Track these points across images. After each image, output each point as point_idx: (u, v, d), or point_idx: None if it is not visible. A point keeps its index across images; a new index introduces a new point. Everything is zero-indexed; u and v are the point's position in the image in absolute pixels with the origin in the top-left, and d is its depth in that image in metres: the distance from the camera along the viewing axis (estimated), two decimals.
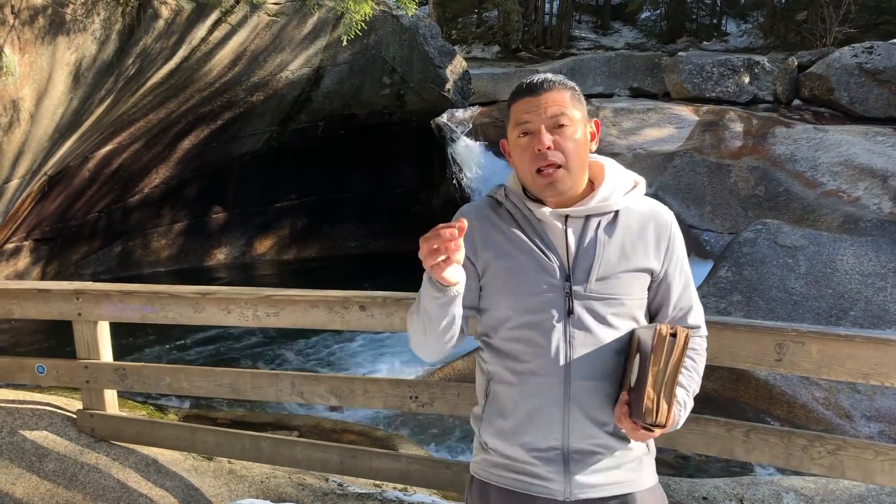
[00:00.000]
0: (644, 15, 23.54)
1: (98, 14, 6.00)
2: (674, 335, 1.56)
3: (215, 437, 3.50)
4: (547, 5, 22.53)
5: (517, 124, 1.73)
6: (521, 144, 1.73)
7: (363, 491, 3.43)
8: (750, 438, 2.60)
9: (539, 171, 1.69)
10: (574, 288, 1.70)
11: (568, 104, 1.71)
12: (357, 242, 12.32)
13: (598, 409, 1.70)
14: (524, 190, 1.80)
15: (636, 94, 15.00)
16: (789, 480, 3.20)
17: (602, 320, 1.70)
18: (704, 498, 3.06)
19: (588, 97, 13.15)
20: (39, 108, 6.04)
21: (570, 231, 1.73)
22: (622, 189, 1.78)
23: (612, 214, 1.75)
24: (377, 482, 3.54)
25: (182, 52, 7.52)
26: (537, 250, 1.73)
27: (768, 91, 12.83)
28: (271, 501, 3.27)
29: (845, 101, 11.47)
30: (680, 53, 14.34)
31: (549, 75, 1.75)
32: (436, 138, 12.59)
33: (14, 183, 6.65)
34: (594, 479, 1.72)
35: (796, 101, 12.55)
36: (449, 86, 11.59)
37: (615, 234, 1.73)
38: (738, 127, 10.51)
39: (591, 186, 1.79)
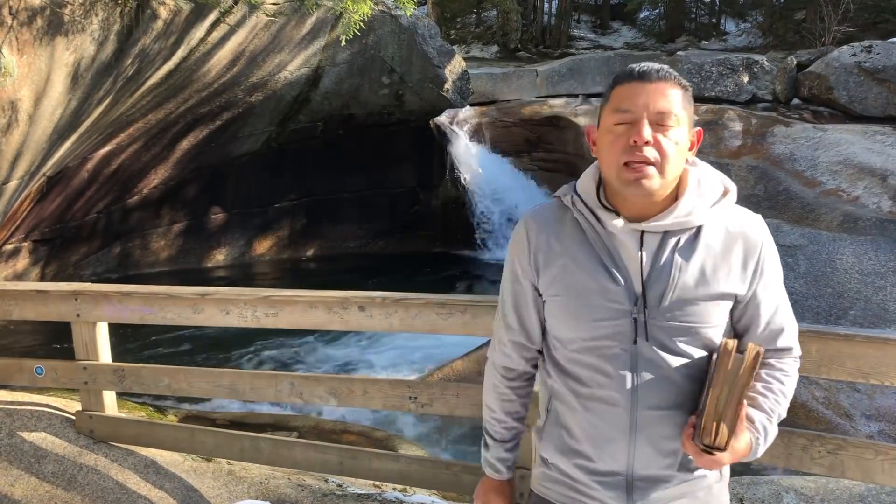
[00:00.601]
0: (643, 14, 23.53)
1: (96, 15, 5.99)
2: (741, 351, 1.45)
3: (214, 437, 3.49)
4: (546, 5, 22.51)
5: (616, 110, 1.53)
6: (615, 132, 1.53)
7: (363, 492, 3.42)
8: None
9: (627, 164, 1.50)
10: (644, 314, 1.54)
11: (679, 102, 1.52)
12: (356, 242, 12.32)
13: (668, 439, 1.57)
14: (598, 193, 1.62)
15: None
16: (789, 480, 3.19)
17: (673, 349, 1.55)
18: None
19: (587, 97, 13.17)
20: (38, 108, 6.04)
21: (644, 250, 1.56)
22: (708, 199, 1.59)
23: (694, 230, 1.57)
24: (377, 483, 3.54)
25: (181, 53, 7.52)
26: (604, 270, 1.57)
27: (767, 90, 12.82)
28: (271, 502, 3.27)
29: (844, 100, 11.46)
30: (679, 53, 14.34)
31: (665, 66, 1.56)
32: (435, 138, 12.59)
33: (13, 184, 6.64)
34: None
35: (795, 101, 12.54)
36: (448, 86, 11.59)
37: (695, 256, 1.55)
38: (738, 126, 10.51)
39: (674, 195, 1.59)
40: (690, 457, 1.54)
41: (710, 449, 1.45)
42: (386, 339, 7.78)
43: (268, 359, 7.67)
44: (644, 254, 1.56)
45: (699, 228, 1.57)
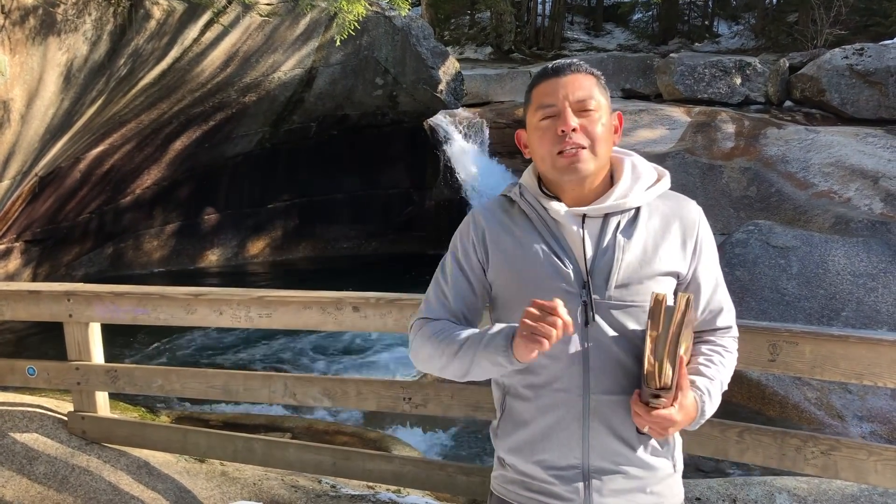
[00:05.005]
0: (636, 16, 23.60)
1: (89, 14, 5.97)
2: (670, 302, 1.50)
3: (207, 438, 3.48)
4: (539, 6, 22.56)
5: (539, 107, 1.63)
6: (542, 127, 1.62)
7: (356, 493, 3.42)
8: (743, 439, 2.60)
9: (561, 152, 1.59)
10: (592, 296, 1.58)
11: (594, 88, 1.63)
12: (350, 243, 12.31)
13: (621, 424, 1.60)
14: (540, 185, 1.70)
15: (628, 95, 15.04)
16: (782, 481, 3.20)
17: (623, 330, 1.59)
18: (698, 499, 3.06)
19: None
20: (30, 108, 6.01)
21: (587, 233, 1.62)
22: (643, 183, 1.67)
23: (633, 212, 1.64)
24: (370, 483, 3.53)
25: (174, 53, 7.50)
26: (552, 255, 1.62)
27: (760, 92, 12.87)
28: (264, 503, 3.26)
29: (836, 102, 11.52)
30: (672, 55, 14.38)
31: (575, 60, 1.67)
32: (429, 139, 12.59)
33: (5, 184, 6.61)
34: (616, 501, 1.62)
35: (788, 103, 12.60)
36: (442, 87, 11.59)
37: (636, 235, 1.61)
38: (730, 128, 10.54)
39: (611, 182, 1.68)
40: (640, 430, 1.56)
41: (658, 393, 1.48)
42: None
43: (261, 359, 7.65)
44: (587, 236, 1.61)
45: (637, 210, 1.65)
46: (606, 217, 1.63)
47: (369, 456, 3.26)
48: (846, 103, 11.44)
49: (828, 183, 8.85)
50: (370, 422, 5.71)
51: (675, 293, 1.65)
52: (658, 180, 1.70)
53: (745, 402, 5.83)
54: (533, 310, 1.45)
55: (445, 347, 1.64)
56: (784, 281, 6.82)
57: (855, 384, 4.17)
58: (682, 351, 1.51)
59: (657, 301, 1.50)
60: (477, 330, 1.65)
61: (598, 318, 1.59)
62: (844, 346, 2.36)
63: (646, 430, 1.55)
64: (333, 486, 3.47)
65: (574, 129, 1.58)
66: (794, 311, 6.57)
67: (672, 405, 1.50)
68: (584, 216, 1.63)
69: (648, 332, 1.50)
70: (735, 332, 1.77)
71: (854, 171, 8.85)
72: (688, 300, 1.51)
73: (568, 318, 1.43)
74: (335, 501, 3.32)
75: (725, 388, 1.68)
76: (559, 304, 1.43)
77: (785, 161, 9.46)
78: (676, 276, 1.64)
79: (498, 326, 1.58)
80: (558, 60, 1.67)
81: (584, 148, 1.58)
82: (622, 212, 1.63)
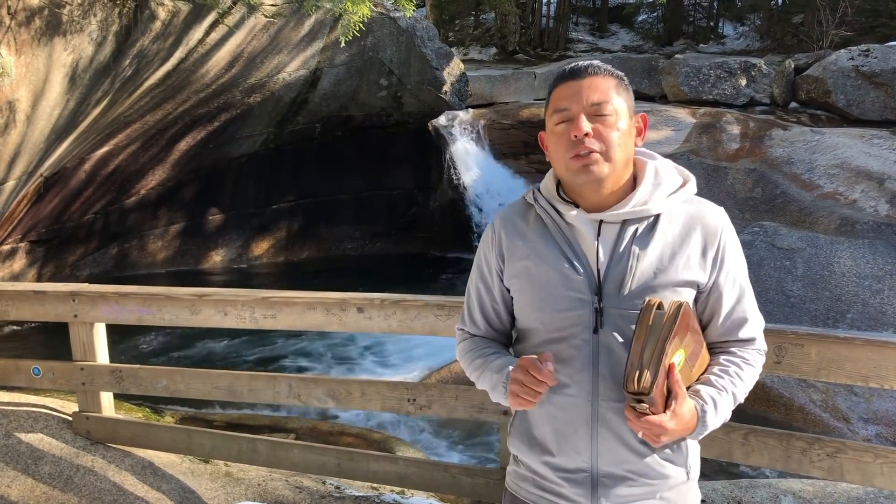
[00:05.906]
0: (641, 17, 23.57)
1: (95, 15, 5.98)
2: (660, 307, 1.49)
3: (212, 439, 3.48)
4: (544, 7, 22.55)
5: (555, 111, 1.60)
6: (557, 132, 1.59)
7: (360, 494, 3.41)
8: (749, 441, 2.59)
9: (574, 157, 1.56)
10: (603, 303, 1.57)
11: (612, 92, 1.58)
12: (354, 244, 12.31)
13: (629, 430, 1.57)
14: (558, 190, 1.68)
15: (633, 96, 15.00)
16: (787, 483, 3.19)
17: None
18: (703, 501, 3.05)
19: None
20: (36, 109, 6.02)
21: (603, 239, 1.59)
22: (666, 189, 1.62)
23: (652, 219, 1.60)
24: (374, 485, 3.53)
25: (179, 54, 7.51)
26: (564, 261, 1.60)
27: (765, 93, 12.84)
28: None
29: (842, 103, 11.48)
30: (677, 56, 14.35)
31: (596, 61, 1.62)
32: (433, 140, 12.59)
33: (10, 184, 6.63)
34: None
35: (793, 104, 12.56)
36: (446, 88, 11.59)
37: (652, 244, 1.57)
38: (735, 129, 10.51)
39: (632, 185, 1.64)
40: (643, 438, 1.54)
41: (637, 397, 1.46)
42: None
43: (266, 360, 7.65)
44: (601, 243, 1.59)
45: (657, 217, 1.60)
46: (624, 224, 1.60)
47: (373, 457, 3.26)
48: (852, 104, 11.40)
49: (833, 184, 8.81)
50: (376, 421, 5.71)
51: (696, 302, 1.63)
52: (682, 185, 1.66)
53: (749, 404, 5.78)
54: (518, 374, 1.55)
55: (470, 373, 1.78)
56: (789, 282, 6.80)
57: (861, 386, 4.16)
58: (676, 359, 1.49)
59: (647, 306, 1.49)
60: (493, 355, 1.74)
61: (609, 325, 1.57)
62: (850, 349, 2.36)
63: (640, 434, 1.53)
64: (338, 487, 3.47)
65: (587, 135, 1.54)
66: (799, 313, 6.54)
67: (664, 412, 1.48)
68: (601, 222, 1.60)
69: (634, 339, 1.48)
70: (761, 344, 1.69)
71: (860, 172, 8.81)
72: (679, 307, 1.48)
73: (550, 374, 1.51)
74: (339, 502, 3.32)
75: (741, 400, 1.63)
76: (540, 367, 1.51)
77: (790, 162, 9.43)
78: (696, 285, 1.60)
79: (503, 368, 1.67)
80: (577, 62, 1.63)
81: (597, 152, 1.55)
82: (641, 219, 1.60)
